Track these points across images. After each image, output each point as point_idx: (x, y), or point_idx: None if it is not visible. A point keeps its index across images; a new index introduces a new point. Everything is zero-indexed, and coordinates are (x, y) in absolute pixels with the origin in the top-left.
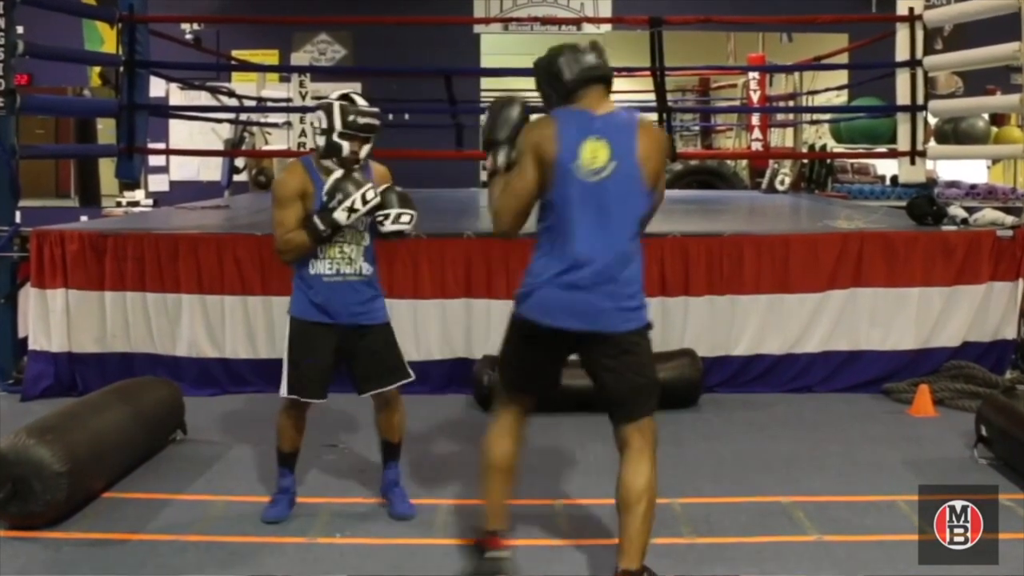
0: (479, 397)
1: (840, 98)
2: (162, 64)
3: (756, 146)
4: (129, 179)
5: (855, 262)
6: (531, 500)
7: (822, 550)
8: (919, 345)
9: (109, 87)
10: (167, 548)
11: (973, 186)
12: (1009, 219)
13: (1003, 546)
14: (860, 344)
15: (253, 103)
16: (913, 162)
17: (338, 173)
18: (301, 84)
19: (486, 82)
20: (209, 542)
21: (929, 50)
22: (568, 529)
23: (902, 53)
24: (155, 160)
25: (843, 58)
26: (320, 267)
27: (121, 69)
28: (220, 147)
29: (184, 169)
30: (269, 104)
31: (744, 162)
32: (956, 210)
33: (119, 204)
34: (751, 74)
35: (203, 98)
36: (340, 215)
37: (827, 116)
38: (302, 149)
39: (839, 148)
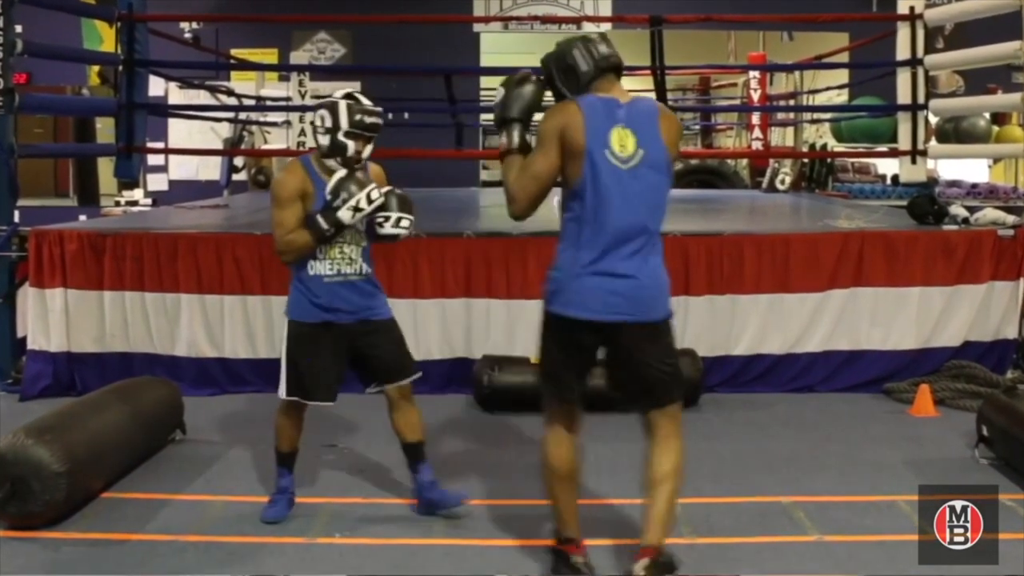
0: (479, 397)
1: (841, 97)
2: (161, 63)
3: (757, 145)
4: (128, 178)
5: (856, 262)
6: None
7: (823, 550)
8: (920, 345)
9: (108, 86)
10: (166, 548)
11: (974, 185)
12: (1010, 218)
13: (1003, 546)
14: (861, 344)
15: (252, 102)
16: (914, 161)
17: (341, 172)
18: (300, 83)
19: (486, 81)
20: (208, 542)
21: (930, 49)
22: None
23: (903, 52)
24: (154, 159)
25: (844, 57)
26: (320, 268)
27: (120, 68)
28: (219, 146)
29: (183, 168)
30: (268, 103)
31: (744, 161)
32: (957, 209)
33: (118, 203)
34: (752, 73)
35: (202, 97)
36: (344, 214)
37: (828, 115)
38: (301, 148)
39: (840, 147)
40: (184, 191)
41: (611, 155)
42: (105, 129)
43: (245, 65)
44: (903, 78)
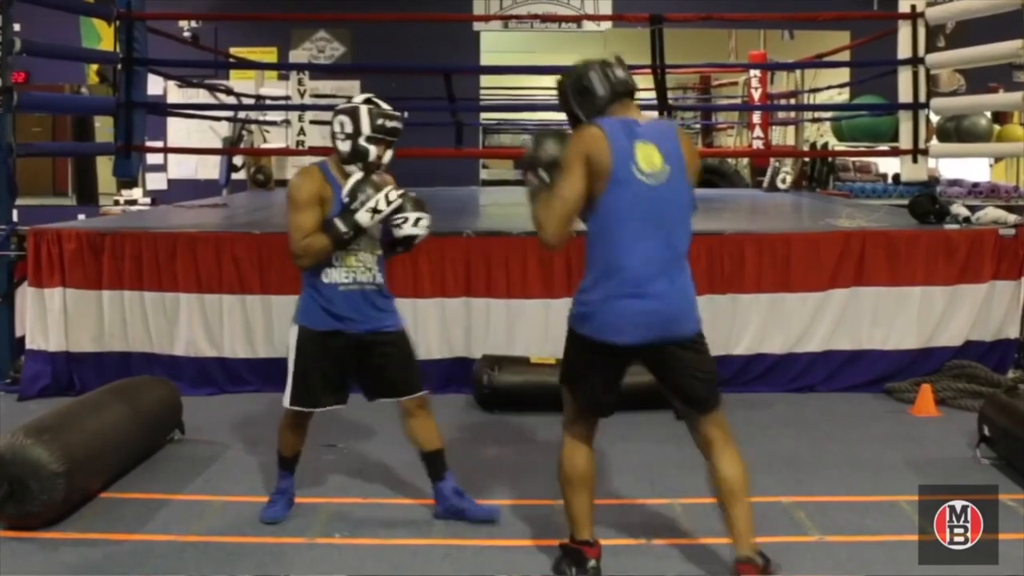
0: (478, 396)
1: (842, 96)
2: (160, 62)
3: (757, 144)
4: (127, 177)
5: (857, 261)
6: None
7: (824, 551)
8: (921, 344)
9: (107, 85)
10: (165, 548)
11: (975, 184)
12: (1012, 217)
13: (1004, 546)
14: (862, 343)
15: (251, 101)
16: (915, 160)
17: (358, 175)
18: (300, 82)
19: (486, 80)
20: (207, 542)
21: (931, 48)
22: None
23: (904, 51)
24: (153, 158)
25: (845, 56)
26: (336, 276)
27: (119, 67)
28: (218, 145)
29: (182, 167)
30: (267, 102)
31: (745, 160)
32: (958, 209)
33: (117, 202)
34: (752, 72)
35: (201, 96)
36: (363, 216)
37: (829, 114)
38: (301, 147)
39: (841, 146)
40: (183, 190)
41: (638, 171)
42: (104, 128)
43: (244, 64)
44: (904, 77)
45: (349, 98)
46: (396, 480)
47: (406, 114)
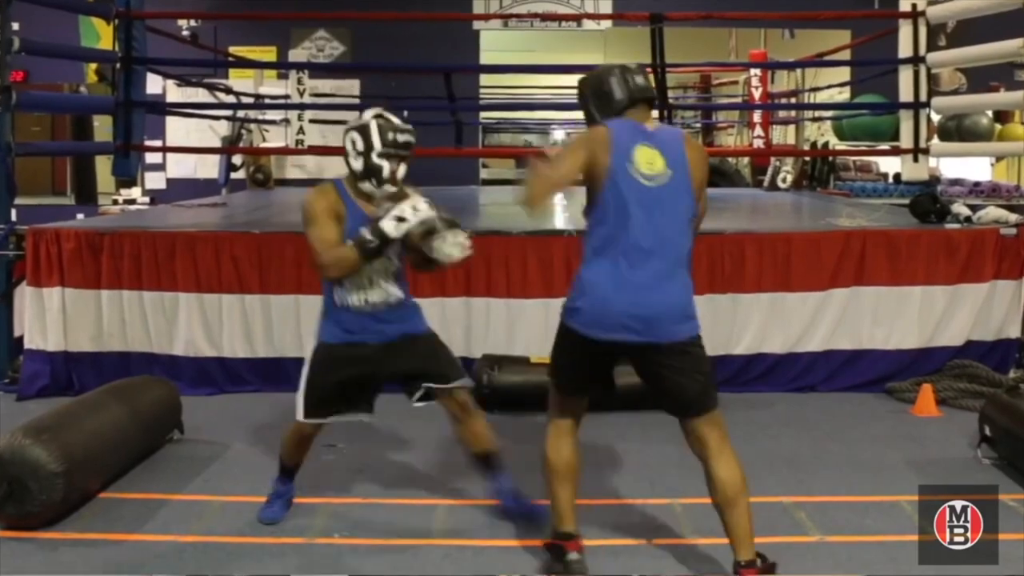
0: (478, 396)
1: (842, 95)
2: (159, 60)
3: (758, 143)
4: (126, 176)
5: (857, 260)
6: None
7: (824, 551)
8: (922, 344)
9: (105, 84)
10: (164, 549)
11: (976, 184)
12: (1013, 217)
13: (1004, 546)
14: (863, 343)
15: (251, 100)
16: (916, 159)
17: (389, 191)
18: (299, 81)
19: (486, 79)
20: (207, 542)
21: (932, 46)
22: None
23: (905, 50)
24: (152, 157)
25: (845, 55)
26: (348, 299)
27: (118, 66)
28: (217, 144)
29: (181, 166)
30: (267, 101)
31: (746, 159)
32: (959, 208)
33: (115, 202)
34: (753, 71)
35: (200, 95)
36: (388, 224)
37: (829, 113)
38: (300, 146)
39: (841, 145)
40: (182, 189)
41: (636, 172)
42: (103, 127)
43: (243, 63)
44: (905, 76)
45: (360, 111)
46: (396, 480)
47: (406, 113)
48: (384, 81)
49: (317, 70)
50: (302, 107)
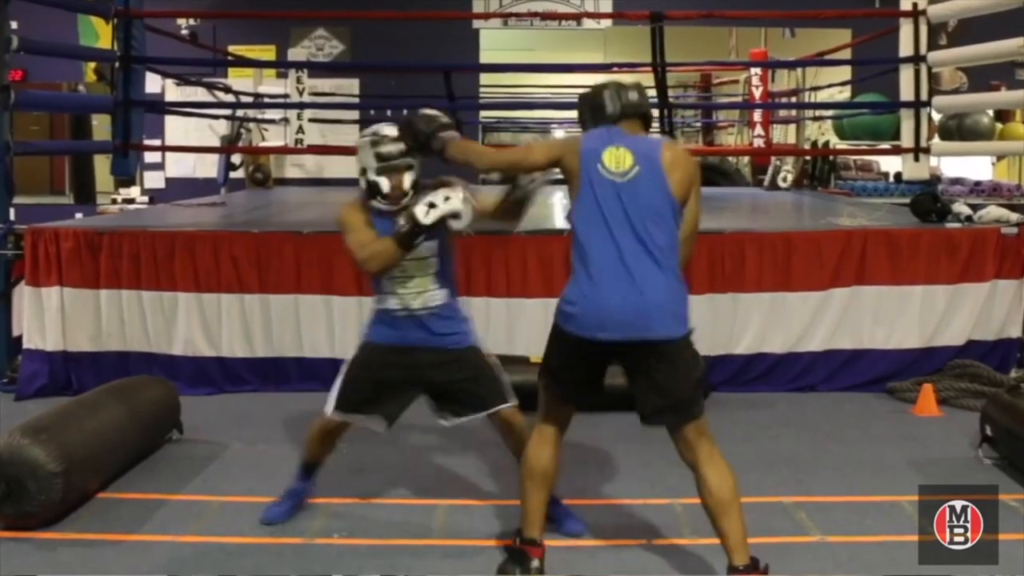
0: None
1: (843, 94)
2: (158, 59)
3: (758, 143)
4: (124, 176)
5: (858, 260)
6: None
7: (825, 551)
8: (923, 344)
9: (104, 83)
10: (163, 549)
11: (977, 183)
12: (1014, 216)
13: (1004, 546)
14: (863, 343)
15: (250, 99)
16: (917, 159)
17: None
18: (298, 80)
19: (485, 78)
20: (205, 543)
21: (933, 46)
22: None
23: (906, 49)
24: (151, 157)
25: (846, 54)
26: (389, 303)
27: (116, 65)
28: (216, 144)
29: (180, 166)
30: (266, 100)
31: (746, 159)
32: (960, 207)
33: (114, 201)
34: (753, 70)
35: (199, 94)
36: (419, 210)
37: (830, 112)
38: (299, 145)
39: (842, 145)
40: (181, 189)
41: (604, 169)
42: (101, 126)
43: (243, 62)
44: (906, 75)
45: (359, 111)
46: (396, 480)
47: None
48: (384, 80)
49: (316, 69)
50: (301, 106)
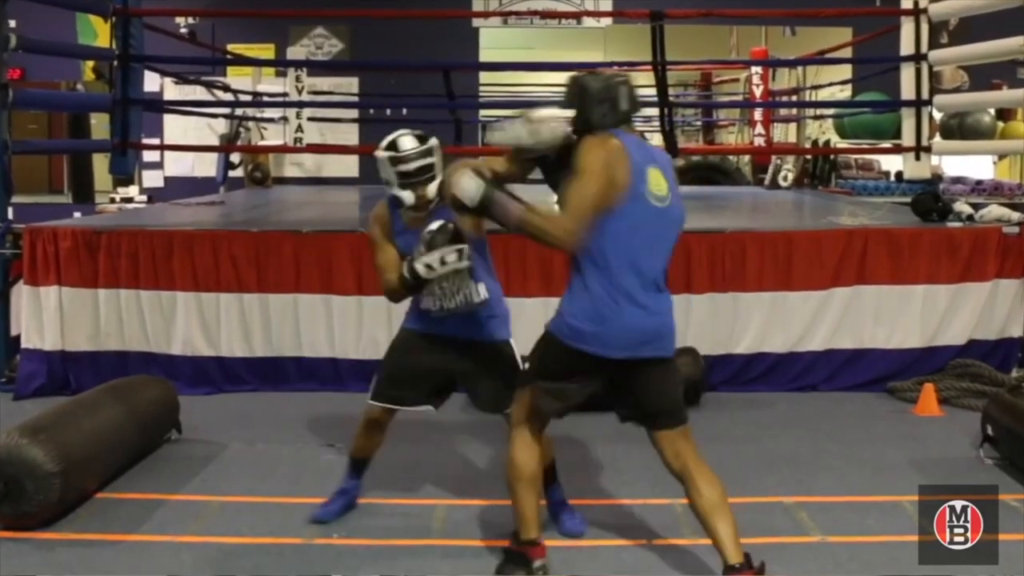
0: None
1: (844, 93)
2: (156, 58)
3: (759, 141)
4: (123, 175)
5: (859, 259)
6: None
7: (825, 551)
8: (924, 343)
9: (103, 82)
10: (162, 549)
11: (979, 182)
12: (1015, 215)
13: (1004, 546)
14: (864, 342)
15: (249, 98)
16: (918, 158)
17: (434, 225)
18: (297, 79)
19: (485, 76)
20: (204, 543)
21: (934, 44)
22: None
23: (907, 47)
24: (149, 156)
25: (847, 52)
26: (426, 303)
27: (115, 63)
28: (215, 142)
29: (179, 165)
30: (265, 99)
31: (747, 157)
32: (962, 206)
33: (113, 200)
34: (754, 68)
35: (198, 93)
36: (420, 267)
37: (831, 111)
38: (298, 144)
39: (843, 143)
40: (180, 188)
41: (650, 194)
42: (100, 125)
43: (241, 60)
44: (907, 74)
45: (359, 110)
46: (395, 480)
47: (405, 111)
48: (383, 79)
49: (316, 68)
50: (300, 105)
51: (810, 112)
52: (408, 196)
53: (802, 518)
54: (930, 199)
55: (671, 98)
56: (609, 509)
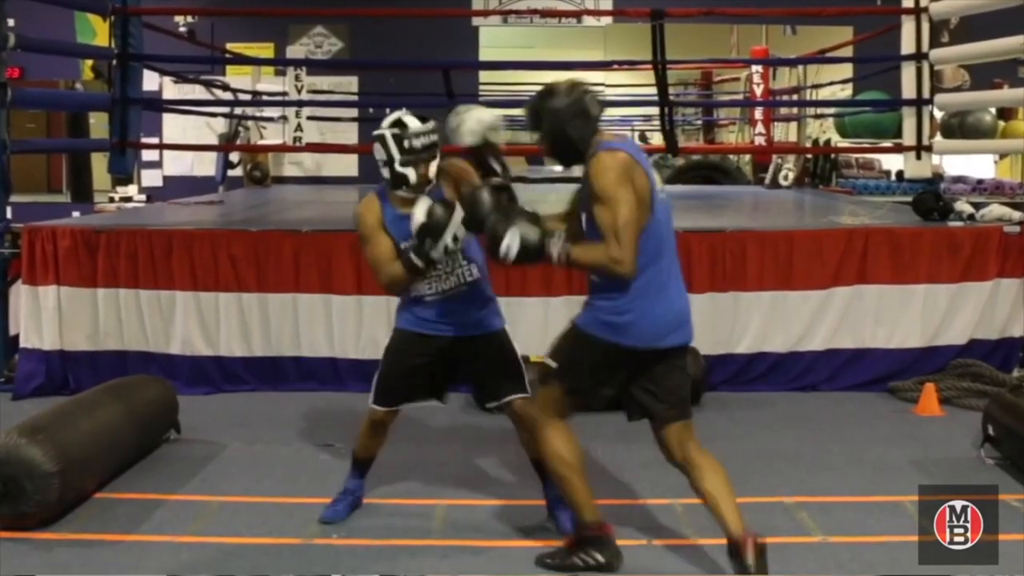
0: None
1: (845, 92)
2: (156, 57)
3: (759, 141)
4: (122, 174)
5: (860, 258)
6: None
7: (826, 551)
8: (925, 343)
9: (102, 81)
10: (161, 549)
11: (980, 181)
12: (1016, 215)
13: (1004, 546)
14: (865, 342)
15: (248, 97)
16: (919, 157)
17: (423, 205)
18: (297, 78)
19: (485, 75)
20: (203, 543)
21: (935, 43)
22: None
23: (908, 46)
24: (148, 155)
25: (848, 51)
26: (419, 287)
27: (114, 62)
28: (214, 142)
29: (178, 164)
30: (264, 98)
31: (747, 157)
32: (963, 205)
33: (112, 199)
34: (754, 67)
35: (197, 92)
36: (437, 254)
37: (831, 110)
38: (298, 143)
39: (844, 143)
40: (179, 187)
41: (662, 192)
42: (99, 124)
43: (241, 59)
44: (908, 73)
45: (359, 109)
46: (395, 480)
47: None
48: (382, 78)
49: (315, 67)
50: (300, 104)
51: (811, 111)
52: (411, 173)
53: (803, 518)
54: (931, 198)
55: (671, 97)
56: (609, 509)
